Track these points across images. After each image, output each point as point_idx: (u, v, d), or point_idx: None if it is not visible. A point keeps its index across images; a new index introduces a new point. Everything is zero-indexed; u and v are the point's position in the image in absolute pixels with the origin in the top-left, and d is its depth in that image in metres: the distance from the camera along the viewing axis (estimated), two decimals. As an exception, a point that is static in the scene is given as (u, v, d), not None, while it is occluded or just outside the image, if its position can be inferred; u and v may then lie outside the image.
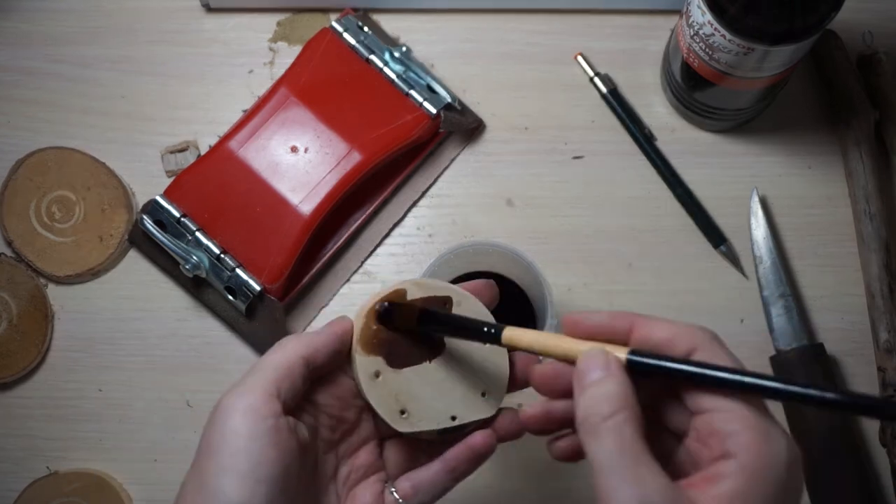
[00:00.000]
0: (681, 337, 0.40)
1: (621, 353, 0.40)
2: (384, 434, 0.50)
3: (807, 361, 0.64)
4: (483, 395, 0.49)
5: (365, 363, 0.47)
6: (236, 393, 0.43)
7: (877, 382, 0.65)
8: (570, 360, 0.41)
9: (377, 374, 0.47)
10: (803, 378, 0.63)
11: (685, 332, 0.40)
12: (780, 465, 0.37)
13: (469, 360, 0.49)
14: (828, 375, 0.64)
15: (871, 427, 0.65)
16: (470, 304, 0.49)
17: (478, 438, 0.48)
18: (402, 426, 0.47)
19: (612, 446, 0.37)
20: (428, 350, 0.48)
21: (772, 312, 0.66)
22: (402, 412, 0.47)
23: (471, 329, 0.47)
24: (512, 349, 0.46)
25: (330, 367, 0.47)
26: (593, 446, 0.38)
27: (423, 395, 0.48)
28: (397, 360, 0.48)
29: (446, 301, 0.49)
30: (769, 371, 0.65)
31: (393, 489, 0.48)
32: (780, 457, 0.37)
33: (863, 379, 0.66)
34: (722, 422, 0.38)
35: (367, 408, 0.48)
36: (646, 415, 0.39)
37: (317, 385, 0.47)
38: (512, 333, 0.44)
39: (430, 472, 0.48)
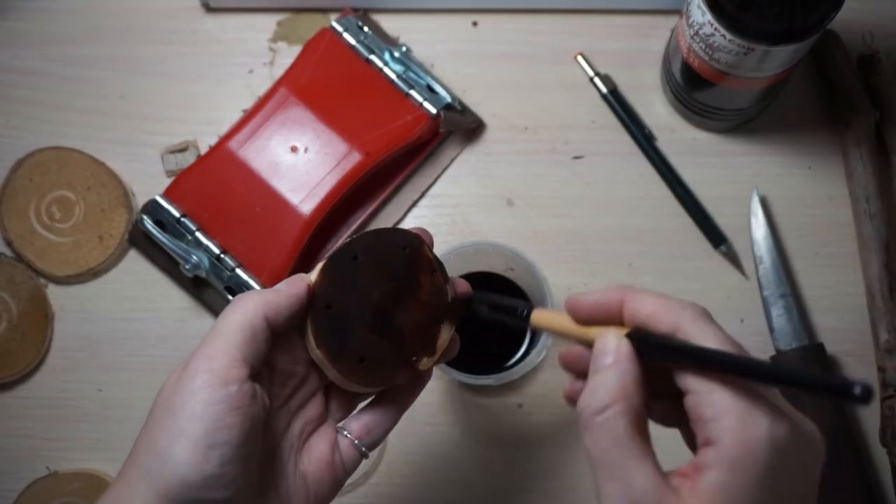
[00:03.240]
0: (663, 314, 0.39)
1: (622, 333, 0.40)
2: (327, 383, 0.49)
3: (807, 361, 0.64)
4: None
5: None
6: (201, 357, 0.42)
7: (877, 382, 0.65)
8: (586, 343, 0.42)
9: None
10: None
11: (668, 308, 0.39)
12: (761, 451, 0.36)
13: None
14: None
15: (871, 427, 0.65)
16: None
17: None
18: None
19: (602, 442, 0.37)
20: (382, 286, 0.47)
21: (772, 312, 0.66)
22: None
23: (507, 309, 0.47)
24: (537, 329, 0.47)
25: (287, 327, 0.45)
26: (587, 440, 0.38)
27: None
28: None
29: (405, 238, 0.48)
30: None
31: (346, 432, 0.48)
32: (761, 442, 0.36)
33: (863, 379, 0.66)
34: (702, 406, 0.37)
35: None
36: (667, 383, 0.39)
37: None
38: (538, 315, 0.45)
39: (378, 410, 0.49)
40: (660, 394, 0.42)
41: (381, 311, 0.47)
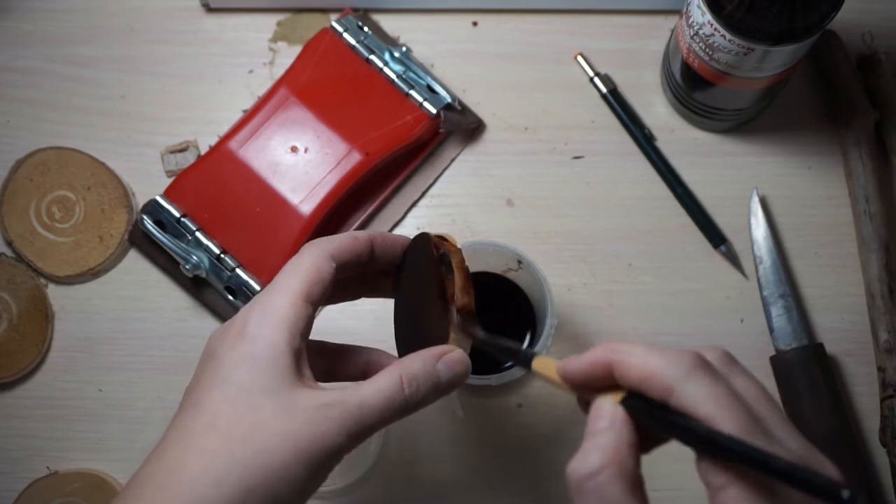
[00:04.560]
0: (655, 378, 0.37)
1: (616, 399, 0.38)
2: None
3: (807, 361, 0.64)
4: None
5: None
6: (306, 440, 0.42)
7: (876, 382, 0.65)
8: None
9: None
10: (803, 379, 0.63)
11: (658, 369, 0.37)
12: None
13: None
14: (827, 375, 0.64)
15: (871, 427, 0.65)
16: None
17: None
18: None
19: None
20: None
21: (772, 312, 0.66)
22: None
23: (513, 352, 0.49)
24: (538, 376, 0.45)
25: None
26: (578, 502, 0.37)
27: None
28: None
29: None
30: (769, 371, 0.65)
31: None
32: None
33: (863, 379, 0.66)
34: (708, 472, 0.36)
35: None
36: None
37: None
38: (540, 364, 0.44)
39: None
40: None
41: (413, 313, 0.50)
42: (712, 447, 0.35)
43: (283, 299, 0.44)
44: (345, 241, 0.46)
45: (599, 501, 0.36)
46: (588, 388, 0.40)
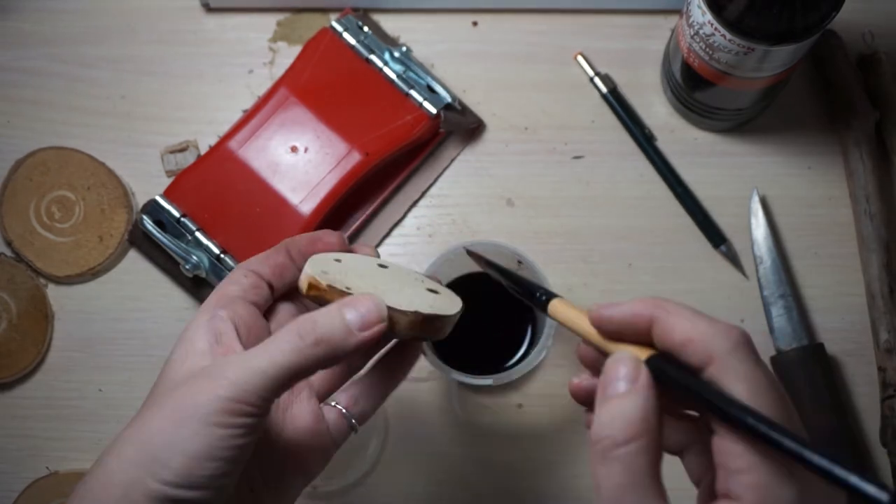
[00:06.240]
0: (698, 343, 0.35)
1: (642, 356, 0.36)
2: None
3: (807, 361, 0.64)
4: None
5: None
6: (226, 370, 0.42)
7: (877, 382, 0.65)
8: (602, 352, 0.39)
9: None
10: (803, 379, 0.63)
11: (704, 335, 0.35)
12: None
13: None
14: (827, 375, 0.64)
15: (871, 427, 0.65)
16: None
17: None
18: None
19: (619, 478, 0.34)
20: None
21: (772, 312, 0.66)
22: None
23: (526, 288, 0.45)
24: (551, 318, 0.43)
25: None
26: (601, 471, 0.35)
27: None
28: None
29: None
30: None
31: (334, 402, 0.48)
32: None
33: (863, 379, 0.66)
34: (727, 454, 0.34)
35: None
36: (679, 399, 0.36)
37: None
38: (556, 306, 0.42)
39: (366, 383, 0.49)
40: (667, 412, 0.39)
41: None
42: (744, 427, 0.33)
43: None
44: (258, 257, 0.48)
45: (625, 473, 0.34)
46: (618, 337, 0.38)
